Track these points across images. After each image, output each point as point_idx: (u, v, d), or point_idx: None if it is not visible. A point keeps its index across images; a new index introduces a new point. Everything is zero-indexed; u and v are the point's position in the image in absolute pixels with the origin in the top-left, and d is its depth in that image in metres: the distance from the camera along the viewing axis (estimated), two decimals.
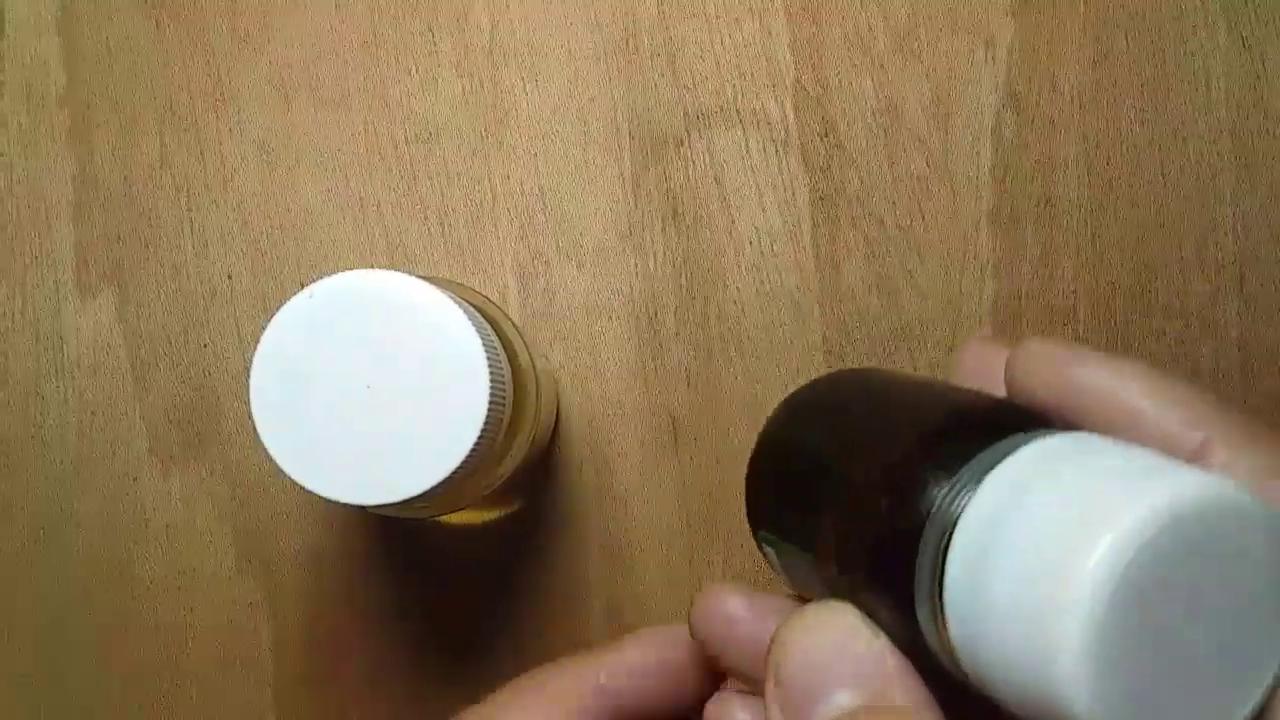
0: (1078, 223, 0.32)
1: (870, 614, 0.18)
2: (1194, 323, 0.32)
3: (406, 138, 0.33)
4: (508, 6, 0.33)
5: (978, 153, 0.32)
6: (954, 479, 0.16)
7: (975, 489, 0.16)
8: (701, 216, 0.32)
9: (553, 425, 0.32)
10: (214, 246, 0.33)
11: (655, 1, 0.33)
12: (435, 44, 0.33)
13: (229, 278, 0.33)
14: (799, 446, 0.21)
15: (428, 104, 0.33)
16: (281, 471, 0.22)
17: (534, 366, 0.28)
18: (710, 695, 0.22)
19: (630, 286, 0.32)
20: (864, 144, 0.32)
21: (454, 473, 0.22)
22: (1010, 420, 0.17)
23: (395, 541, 0.33)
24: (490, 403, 0.22)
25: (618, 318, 0.32)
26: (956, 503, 0.16)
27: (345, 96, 0.33)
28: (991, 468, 0.16)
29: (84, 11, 0.33)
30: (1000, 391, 0.19)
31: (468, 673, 0.33)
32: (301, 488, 0.22)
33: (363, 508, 0.22)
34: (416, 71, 0.33)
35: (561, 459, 0.33)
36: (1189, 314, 0.32)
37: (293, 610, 0.32)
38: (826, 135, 0.32)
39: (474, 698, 0.22)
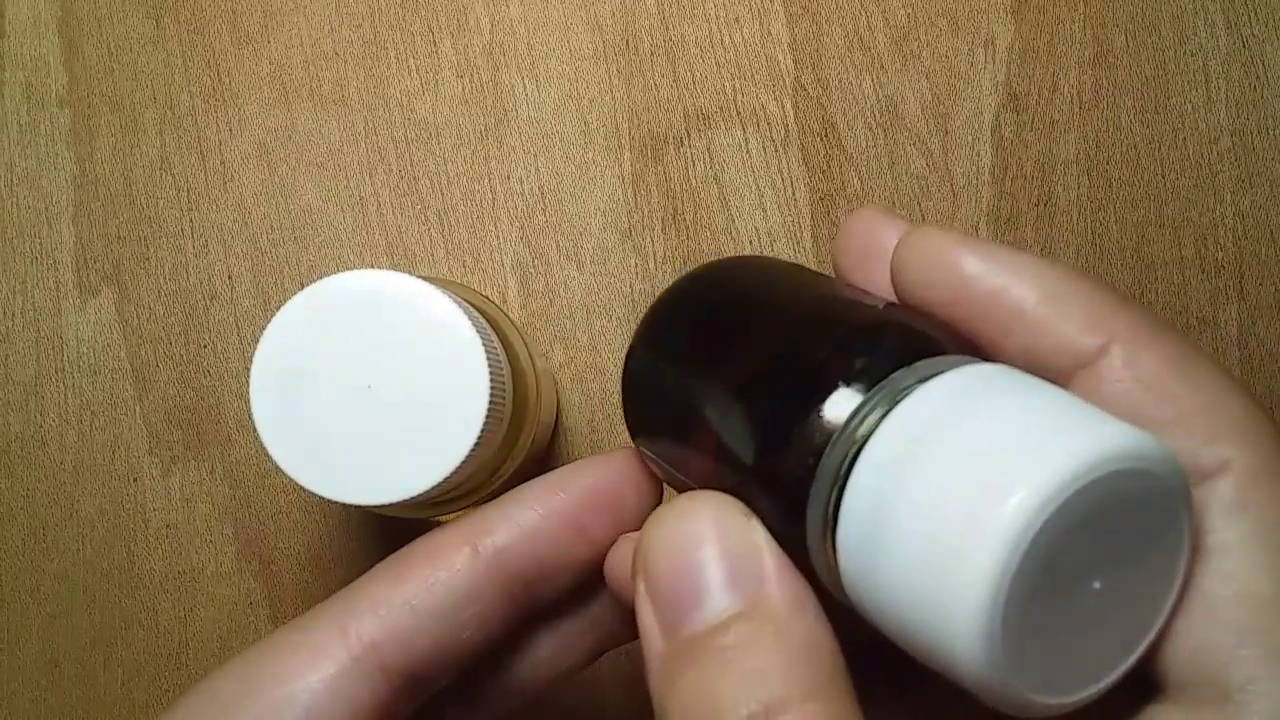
0: (1078, 223, 0.32)
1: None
2: (1194, 323, 0.32)
3: (406, 138, 0.33)
4: (508, 6, 0.33)
5: (978, 153, 0.32)
6: (864, 401, 0.16)
7: (884, 415, 0.15)
8: (701, 216, 0.32)
9: (553, 425, 0.32)
10: (214, 247, 0.33)
11: (655, 1, 0.33)
12: (435, 44, 0.33)
13: (229, 278, 0.33)
14: (682, 346, 0.20)
15: (428, 104, 0.33)
16: (281, 471, 0.22)
17: (534, 366, 0.28)
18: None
19: (630, 286, 0.32)
20: (864, 144, 0.32)
21: (454, 473, 0.22)
22: (925, 340, 0.17)
23: (395, 541, 0.33)
24: (490, 403, 0.22)
25: (618, 318, 0.32)
26: (865, 424, 0.16)
27: (345, 96, 0.33)
28: (895, 403, 0.15)
29: (84, 11, 0.33)
30: (884, 273, 0.18)
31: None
32: (301, 488, 0.22)
33: (363, 508, 0.22)
34: (416, 71, 0.33)
35: (561, 459, 0.33)
36: (1189, 314, 0.32)
37: (293, 610, 0.32)
38: (826, 135, 0.32)
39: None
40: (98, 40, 0.33)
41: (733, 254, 0.32)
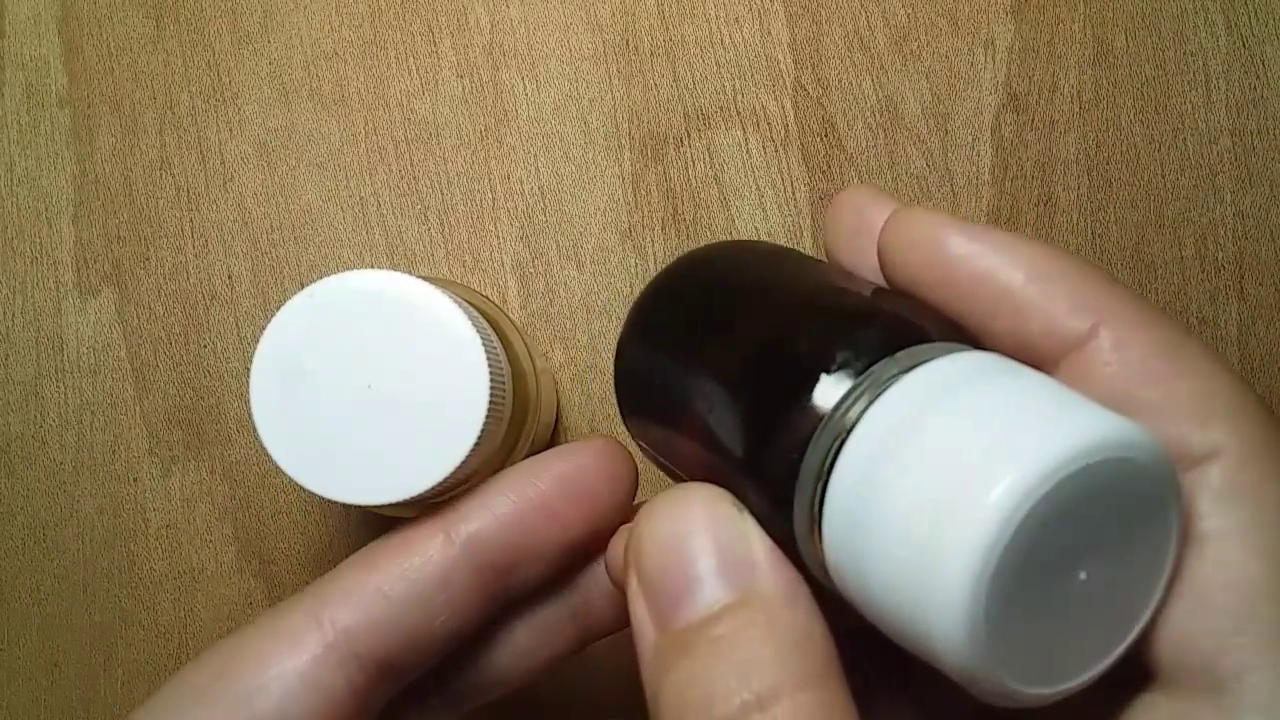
0: (1078, 223, 0.32)
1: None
2: (1194, 323, 0.32)
3: (406, 138, 0.33)
4: (508, 6, 0.33)
5: (978, 153, 0.32)
6: (848, 393, 0.16)
7: (867, 406, 0.15)
8: (701, 216, 0.32)
9: (553, 425, 0.32)
10: (214, 246, 0.33)
11: (655, 1, 0.33)
12: (435, 44, 0.33)
13: (229, 278, 0.33)
14: (671, 335, 0.20)
15: (428, 104, 0.33)
16: (281, 471, 0.22)
17: (534, 366, 0.28)
18: (597, 530, 0.21)
19: (630, 286, 0.32)
20: (864, 144, 0.32)
21: (454, 473, 0.22)
22: (909, 328, 0.17)
23: None
24: (490, 403, 0.22)
25: (618, 318, 0.32)
26: (848, 416, 0.15)
27: (345, 96, 0.33)
28: (877, 395, 0.15)
29: (84, 11, 0.33)
30: (873, 253, 0.18)
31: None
32: (301, 488, 0.22)
33: (363, 508, 0.22)
34: (416, 71, 0.33)
35: None
36: (1189, 314, 0.32)
37: None
38: (826, 135, 0.32)
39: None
40: (98, 40, 0.33)
41: None
